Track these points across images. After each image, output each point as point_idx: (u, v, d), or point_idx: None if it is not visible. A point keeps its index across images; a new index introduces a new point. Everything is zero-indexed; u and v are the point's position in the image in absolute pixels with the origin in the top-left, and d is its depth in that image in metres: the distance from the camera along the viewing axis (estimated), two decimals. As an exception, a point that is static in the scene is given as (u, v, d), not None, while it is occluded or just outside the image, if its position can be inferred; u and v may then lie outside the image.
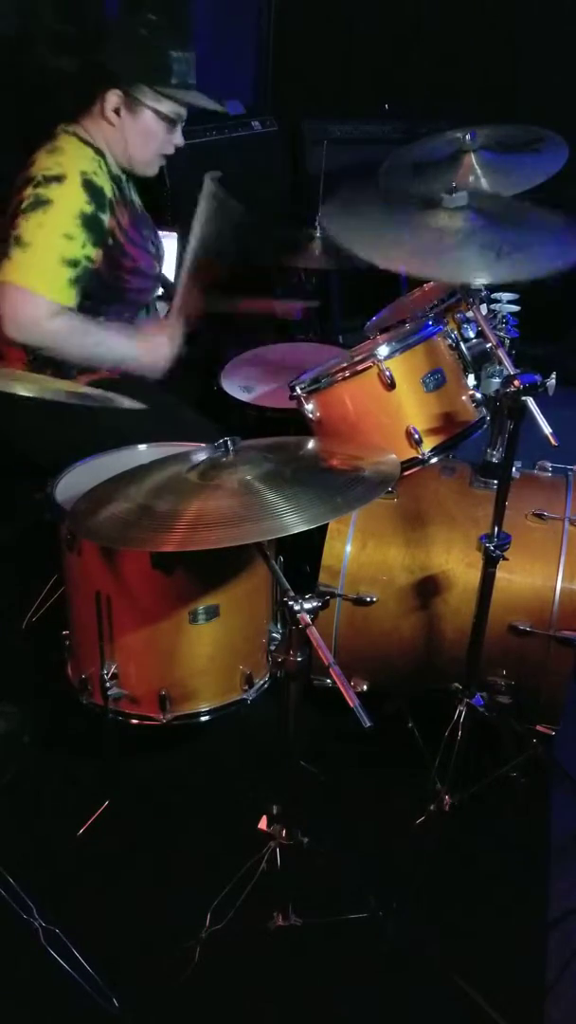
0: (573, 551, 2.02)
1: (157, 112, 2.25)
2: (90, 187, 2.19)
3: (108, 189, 2.25)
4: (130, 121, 2.25)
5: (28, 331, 2.14)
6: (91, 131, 2.28)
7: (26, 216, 2.12)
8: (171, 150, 2.34)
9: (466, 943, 1.81)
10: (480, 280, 1.87)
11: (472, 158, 2.34)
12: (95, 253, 2.21)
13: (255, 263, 2.75)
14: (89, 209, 2.18)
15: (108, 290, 2.30)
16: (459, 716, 1.93)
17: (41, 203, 2.13)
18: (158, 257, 2.48)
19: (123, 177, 2.37)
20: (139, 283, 2.37)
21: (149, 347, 2.31)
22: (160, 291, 2.57)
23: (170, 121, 2.27)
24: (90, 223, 2.18)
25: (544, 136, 2.41)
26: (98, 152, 2.27)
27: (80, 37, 2.99)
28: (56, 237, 2.13)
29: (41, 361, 2.37)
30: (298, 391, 2.08)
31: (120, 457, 2.08)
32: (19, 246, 2.11)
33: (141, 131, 2.27)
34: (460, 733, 1.92)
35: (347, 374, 2.02)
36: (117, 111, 2.24)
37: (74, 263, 2.15)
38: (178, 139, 2.34)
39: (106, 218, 2.23)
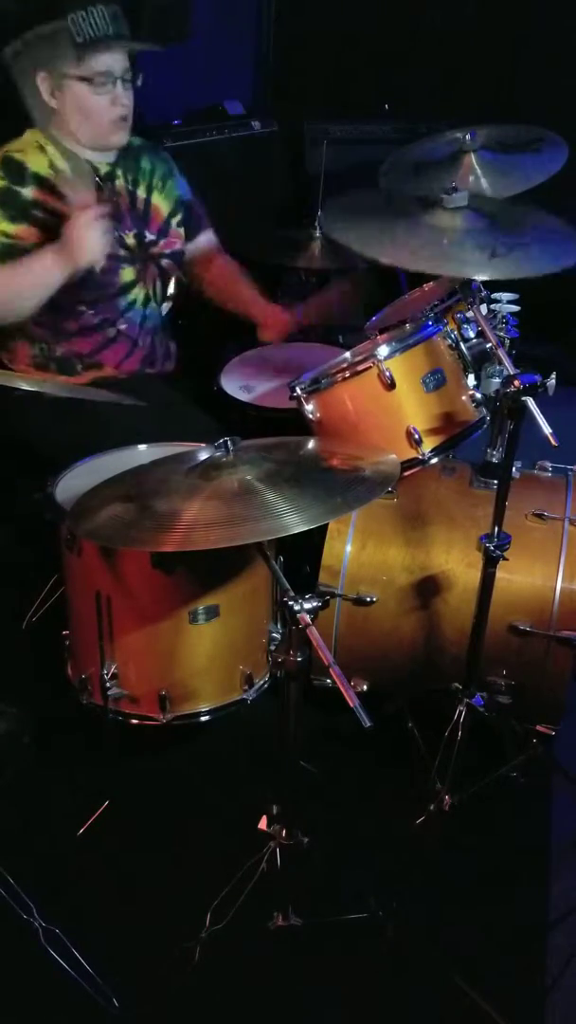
0: (573, 551, 2.02)
1: (77, 78, 2.21)
2: (8, 163, 2.22)
3: (41, 164, 2.25)
4: (63, 99, 2.24)
5: None
6: (53, 125, 2.29)
7: None
8: (119, 111, 2.28)
9: (466, 943, 1.81)
10: (479, 276, 1.88)
11: (472, 158, 2.34)
12: (14, 229, 2.22)
13: (255, 263, 2.74)
14: (1, 183, 2.20)
15: None
16: (459, 716, 1.93)
17: None
18: (126, 245, 2.41)
19: (102, 167, 2.36)
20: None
21: (67, 244, 2.17)
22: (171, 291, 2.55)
23: (99, 82, 2.22)
24: (4, 198, 2.20)
25: (544, 136, 2.41)
26: (48, 138, 2.27)
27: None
28: None
29: (45, 357, 2.38)
30: (298, 391, 2.08)
31: (120, 457, 2.07)
32: None
33: (74, 104, 2.25)
34: (460, 733, 1.92)
35: (347, 374, 2.02)
36: (52, 93, 2.24)
37: None
38: (122, 97, 2.27)
39: (25, 191, 2.22)
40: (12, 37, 2.20)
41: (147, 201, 2.47)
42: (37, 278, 2.19)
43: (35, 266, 2.19)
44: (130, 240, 2.41)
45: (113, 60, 2.23)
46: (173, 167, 2.55)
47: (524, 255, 1.85)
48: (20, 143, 2.28)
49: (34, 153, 2.26)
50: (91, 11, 2.18)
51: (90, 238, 2.15)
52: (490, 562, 1.81)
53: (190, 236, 2.58)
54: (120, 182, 2.41)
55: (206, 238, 2.65)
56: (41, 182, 2.25)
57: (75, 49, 2.18)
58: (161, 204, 2.50)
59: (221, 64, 3.71)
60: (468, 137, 2.29)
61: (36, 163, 2.26)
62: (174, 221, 2.52)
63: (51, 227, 2.23)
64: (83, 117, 2.27)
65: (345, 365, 2.04)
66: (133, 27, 2.29)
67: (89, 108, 2.26)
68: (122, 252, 2.39)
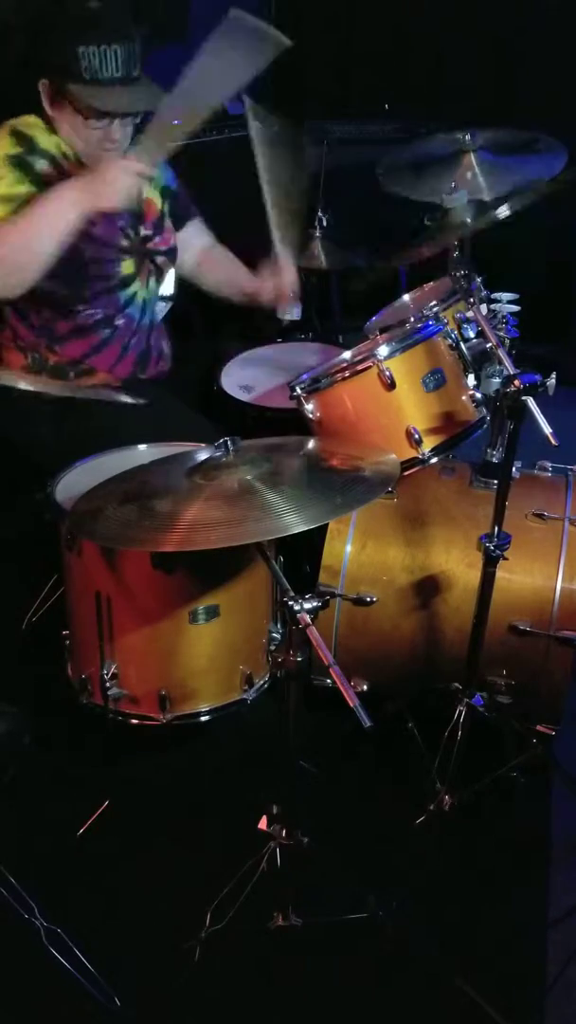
0: (573, 551, 2.02)
1: (76, 107, 2.17)
2: (18, 135, 2.19)
3: (49, 143, 2.22)
4: (60, 113, 2.21)
5: None
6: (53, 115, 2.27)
7: None
8: (108, 147, 2.23)
9: (466, 943, 1.81)
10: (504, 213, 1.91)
11: (472, 158, 2.34)
12: (31, 193, 2.16)
13: (255, 264, 2.74)
14: (15, 151, 2.17)
15: (63, 257, 2.20)
16: (459, 716, 1.93)
17: None
18: (127, 235, 2.40)
19: None
20: (94, 252, 2.30)
21: (94, 179, 2.11)
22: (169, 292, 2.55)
23: (96, 114, 2.18)
24: (18, 163, 2.17)
25: (542, 139, 2.41)
26: (50, 124, 2.24)
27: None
28: None
29: (38, 366, 2.37)
30: (298, 391, 2.08)
31: (120, 457, 2.07)
32: None
33: (71, 123, 2.21)
34: (460, 733, 1.92)
35: (347, 374, 2.02)
36: (51, 104, 2.21)
37: (7, 199, 2.14)
38: (114, 134, 2.22)
39: (39, 163, 2.20)
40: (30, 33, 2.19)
41: (140, 196, 2.47)
42: (52, 217, 2.09)
43: (50, 204, 2.09)
44: (129, 232, 2.40)
45: (116, 103, 2.17)
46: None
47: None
48: (26, 122, 2.23)
49: (42, 133, 2.23)
50: (105, 51, 2.11)
51: (122, 179, 2.08)
52: (490, 562, 1.81)
53: (178, 225, 2.55)
54: None
55: (195, 227, 2.63)
56: (51, 159, 2.22)
57: (78, 82, 2.13)
58: (154, 197, 2.48)
59: (221, 64, 3.70)
60: (468, 137, 2.29)
61: (45, 142, 2.23)
62: (166, 213, 2.51)
63: None
64: (74, 136, 2.23)
65: (345, 365, 2.04)
66: (126, 24, 2.26)
67: (80, 132, 2.22)
68: (124, 243, 2.37)
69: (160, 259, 2.48)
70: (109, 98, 2.15)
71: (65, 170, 2.23)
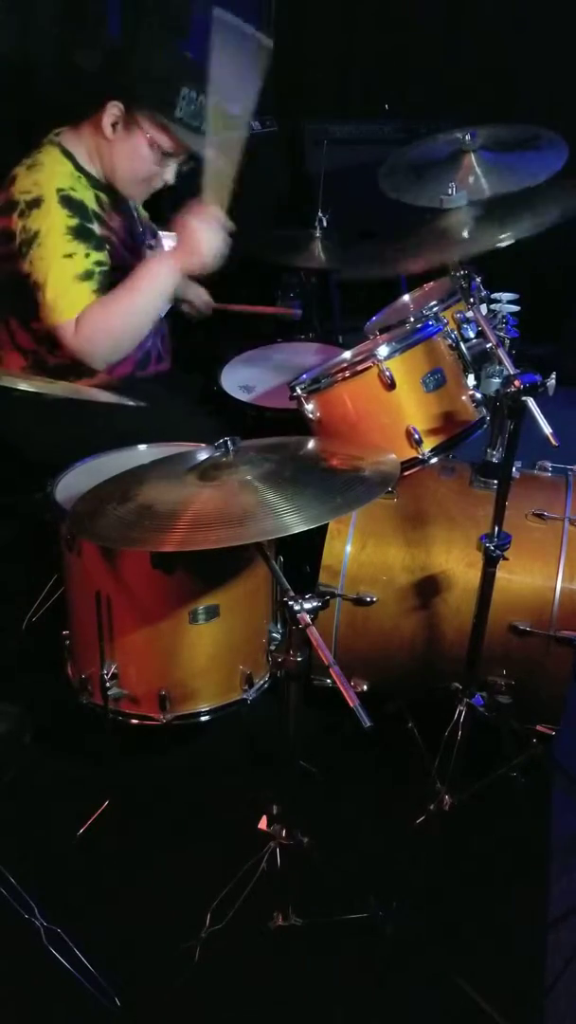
0: (573, 551, 2.02)
1: (151, 139, 2.21)
2: (68, 202, 2.18)
3: (90, 200, 2.24)
4: (123, 139, 2.22)
5: (98, 349, 2.17)
6: (79, 140, 2.26)
7: (26, 258, 2.14)
8: (160, 184, 2.30)
9: (466, 943, 1.81)
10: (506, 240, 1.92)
11: (472, 158, 2.33)
12: (102, 257, 2.20)
13: (255, 263, 2.74)
14: (74, 223, 2.18)
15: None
16: (459, 716, 1.93)
17: (30, 238, 2.14)
18: (150, 246, 2.46)
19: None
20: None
21: (185, 246, 2.20)
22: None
23: (163, 152, 2.23)
24: (81, 233, 2.18)
25: (541, 134, 2.41)
26: (77, 167, 2.25)
27: (86, 48, 2.96)
28: (58, 261, 2.13)
29: (37, 368, 2.37)
30: (298, 391, 2.08)
31: (120, 457, 2.08)
32: (39, 289, 2.14)
33: (131, 152, 2.23)
34: (460, 733, 1.92)
35: (347, 374, 2.02)
36: (115, 125, 2.21)
37: (88, 275, 2.15)
38: (169, 175, 2.29)
39: (95, 227, 2.22)
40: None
41: (136, 209, 2.50)
42: (151, 295, 2.18)
43: (146, 283, 2.17)
44: (146, 253, 2.43)
45: (181, 147, 2.23)
46: None
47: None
48: (63, 177, 2.22)
49: (81, 187, 2.24)
50: (199, 98, 2.16)
51: (209, 238, 2.15)
52: (490, 562, 1.80)
53: None
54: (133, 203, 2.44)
55: (170, 234, 2.66)
56: (99, 219, 2.26)
57: (167, 119, 2.17)
58: (140, 208, 2.53)
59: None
60: (468, 137, 2.28)
61: (89, 199, 2.24)
62: (147, 217, 2.56)
63: (112, 254, 2.26)
64: (129, 164, 2.25)
65: (345, 365, 2.04)
66: (135, 26, 2.28)
67: (137, 164, 2.25)
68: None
69: None
70: (182, 143, 2.21)
71: (108, 223, 2.28)
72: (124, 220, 2.37)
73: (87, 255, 2.17)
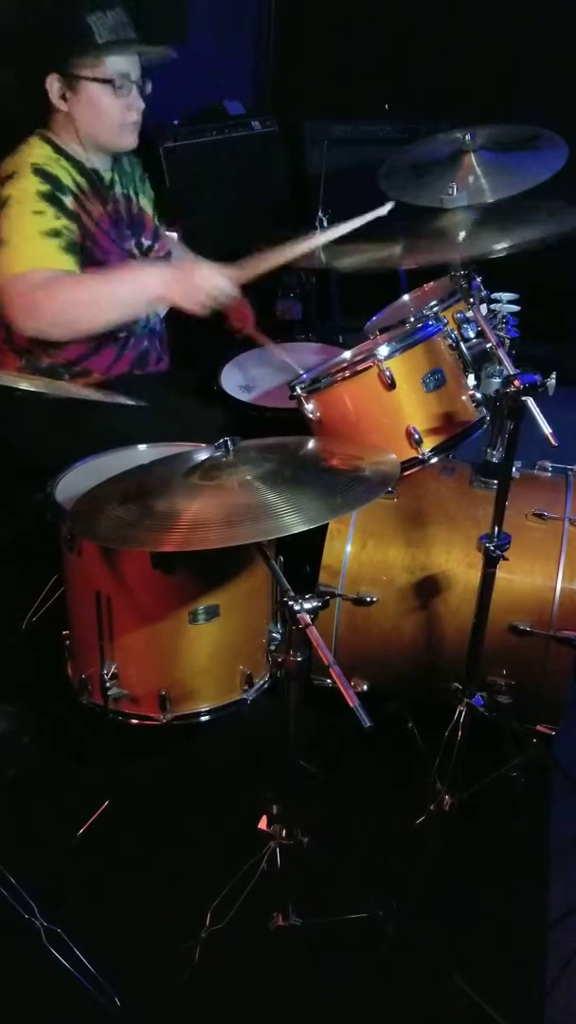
0: (573, 551, 2.02)
1: (94, 79, 2.19)
2: (41, 173, 2.19)
3: (66, 178, 2.24)
4: (75, 101, 2.21)
5: (36, 314, 2.11)
6: (55, 129, 2.27)
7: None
8: (133, 116, 2.27)
9: (466, 943, 1.81)
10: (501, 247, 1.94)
11: (472, 158, 2.33)
12: (72, 225, 2.20)
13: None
14: (45, 188, 2.18)
15: None
16: (459, 716, 1.93)
17: (2, 203, 2.15)
18: (134, 256, 2.42)
19: (105, 174, 2.36)
20: None
21: (181, 274, 2.19)
22: None
23: (113, 83, 2.19)
24: (51, 199, 2.18)
25: (541, 134, 2.41)
26: (58, 150, 2.26)
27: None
28: (26, 217, 2.13)
29: (32, 368, 2.37)
30: (298, 391, 2.08)
31: (120, 457, 2.08)
32: (3, 245, 2.12)
33: (88, 106, 2.22)
34: (460, 733, 1.92)
35: (347, 374, 2.02)
36: (64, 96, 2.21)
37: (55, 232, 2.15)
38: (135, 101, 2.26)
39: (67, 199, 2.21)
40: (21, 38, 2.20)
41: (138, 205, 2.48)
42: (126, 296, 2.16)
43: (127, 284, 2.16)
44: (134, 251, 2.42)
45: (131, 64, 2.22)
46: (139, 163, 2.56)
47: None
48: (40, 155, 2.23)
49: (60, 168, 2.24)
50: (109, 13, 2.15)
51: (212, 281, 2.15)
52: (490, 562, 1.80)
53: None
54: (119, 188, 2.41)
55: (171, 234, 2.65)
56: (74, 195, 2.25)
57: (94, 50, 2.16)
58: (146, 206, 2.51)
59: (221, 64, 3.70)
60: (468, 137, 2.28)
61: (65, 177, 2.24)
62: (157, 221, 2.53)
63: (83, 241, 2.24)
64: (95, 119, 2.24)
65: (345, 365, 2.04)
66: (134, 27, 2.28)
67: (103, 110, 2.23)
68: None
69: None
70: (126, 59, 2.19)
71: (85, 205, 2.26)
72: (108, 212, 2.35)
73: (56, 217, 2.16)
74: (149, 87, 2.28)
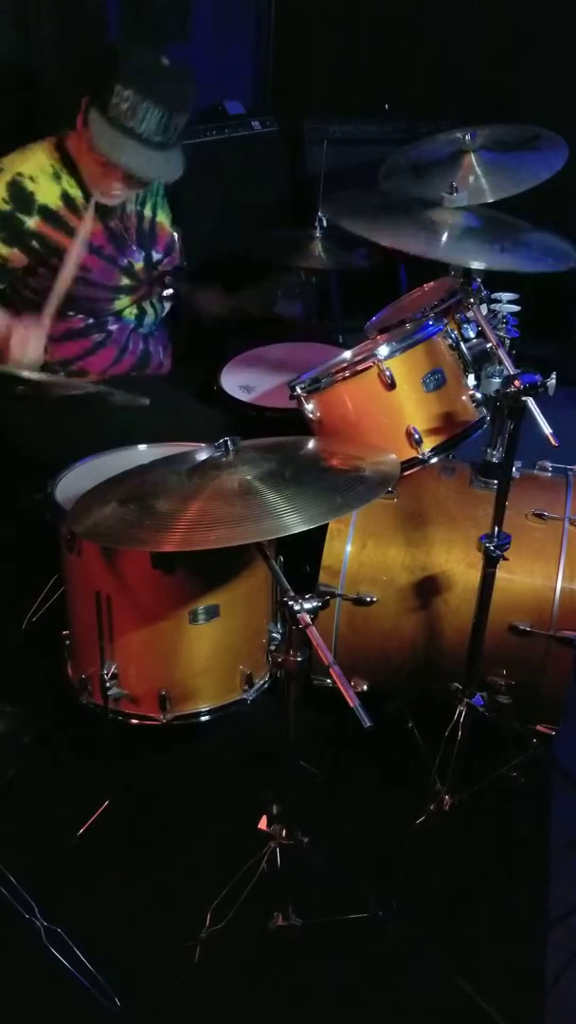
0: (573, 551, 2.02)
1: (90, 136, 2.11)
2: (15, 188, 2.16)
3: (51, 195, 2.20)
4: (85, 133, 2.14)
5: None
6: (73, 139, 2.22)
7: None
8: (115, 198, 2.23)
9: (466, 943, 1.82)
10: (483, 266, 1.93)
11: (472, 158, 2.33)
12: (5, 251, 2.18)
13: (255, 263, 2.74)
14: (5, 208, 2.16)
15: (47, 289, 2.23)
16: (459, 716, 1.93)
17: None
18: (132, 271, 2.39)
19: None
20: (86, 291, 2.30)
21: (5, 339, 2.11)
22: (168, 292, 2.54)
23: (108, 163, 2.12)
24: (4, 223, 2.16)
25: (541, 134, 2.41)
26: (66, 160, 2.22)
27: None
28: None
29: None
30: (298, 391, 2.08)
31: (120, 457, 2.08)
32: None
33: (83, 147, 2.16)
34: (460, 733, 1.92)
35: (347, 374, 2.02)
36: (86, 121, 2.12)
37: None
38: (115, 189, 2.20)
39: (29, 220, 2.18)
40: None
41: (153, 220, 2.45)
42: None
43: None
44: (139, 265, 2.40)
45: (131, 162, 2.12)
46: None
47: (528, 253, 1.92)
48: (35, 165, 2.20)
49: (47, 181, 2.20)
50: (141, 103, 2.04)
51: (27, 352, 2.10)
52: (490, 562, 1.80)
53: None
54: (132, 206, 2.39)
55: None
56: (47, 214, 2.21)
57: (104, 118, 2.08)
58: (164, 220, 2.49)
59: (221, 64, 3.70)
60: (468, 137, 2.28)
61: (46, 193, 2.20)
62: (176, 236, 2.50)
63: (42, 257, 2.21)
64: (80, 160, 2.20)
65: (345, 365, 2.04)
66: (134, 28, 2.26)
67: (85, 162, 2.19)
68: (124, 282, 2.37)
69: (168, 279, 2.49)
70: (121, 147, 2.09)
71: (62, 219, 2.22)
72: (110, 227, 2.33)
73: None
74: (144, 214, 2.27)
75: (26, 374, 1.90)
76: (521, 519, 2.05)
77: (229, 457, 1.67)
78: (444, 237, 2.05)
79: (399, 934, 1.77)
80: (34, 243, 2.21)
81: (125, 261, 2.37)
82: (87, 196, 2.24)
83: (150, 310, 2.49)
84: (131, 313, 2.44)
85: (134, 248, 2.39)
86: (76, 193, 2.24)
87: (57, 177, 2.22)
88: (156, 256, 2.45)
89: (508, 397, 1.65)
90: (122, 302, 2.39)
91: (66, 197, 2.23)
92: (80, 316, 2.34)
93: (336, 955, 1.77)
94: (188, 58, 3.43)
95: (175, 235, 2.51)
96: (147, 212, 2.44)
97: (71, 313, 2.33)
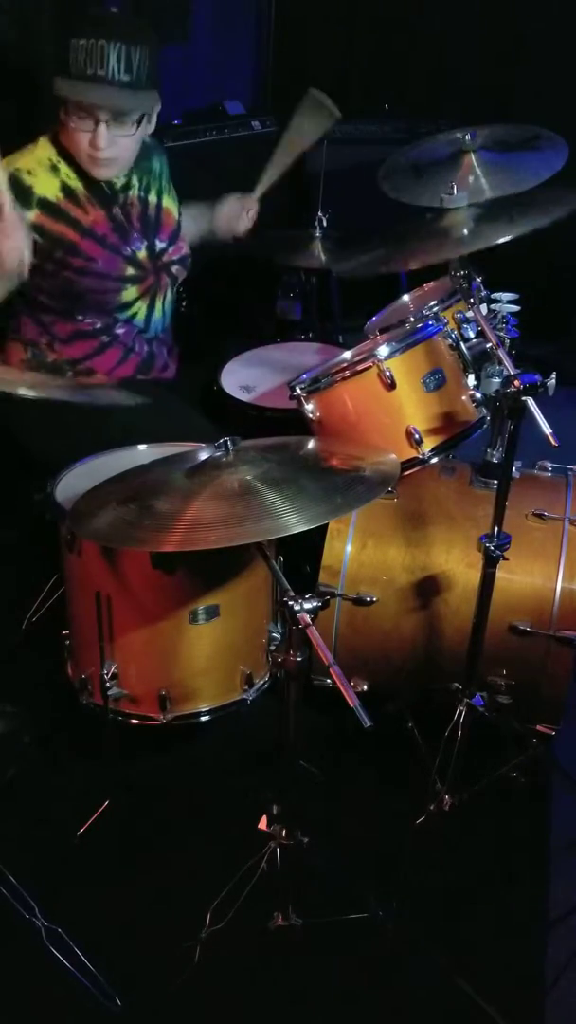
0: (573, 551, 2.02)
1: (65, 106, 2.11)
2: (13, 183, 2.10)
3: (50, 188, 2.20)
4: (64, 117, 2.14)
5: None
6: (62, 131, 2.22)
7: None
8: (99, 153, 2.17)
9: (466, 943, 1.82)
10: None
11: (472, 158, 2.33)
12: None
13: (255, 263, 2.74)
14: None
15: (55, 286, 2.25)
16: (459, 716, 1.93)
17: None
18: (133, 262, 2.38)
19: (117, 179, 2.31)
20: (93, 283, 2.30)
21: None
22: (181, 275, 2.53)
23: (76, 115, 2.11)
24: None
25: (540, 134, 2.41)
26: (64, 155, 2.22)
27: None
28: None
29: (37, 362, 2.37)
30: (298, 391, 2.08)
31: (120, 457, 2.08)
32: None
33: (67, 127, 2.15)
34: (460, 733, 1.92)
35: (347, 374, 2.02)
36: (63, 108, 2.13)
37: None
38: (99, 139, 2.13)
39: (28, 214, 2.16)
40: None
41: (158, 206, 2.44)
42: None
43: None
44: (142, 254, 2.39)
45: (100, 99, 2.09)
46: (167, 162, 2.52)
47: (537, 209, 1.97)
48: (32, 159, 2.20)
49: (45, 174, 2.20)
50: (95, 45, 2.03)
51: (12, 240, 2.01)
52: (490, 562, 1.81)
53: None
54: (134, 192, 2.37)
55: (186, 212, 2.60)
56: (46, 206, 2.21)
57: (63, 77, 2.07)
58: (171, 206, 2.47)
59: (221, 64, 3.70)
60: (468, 137, 2.28)
61: (45, 186, 2.20)
62: (181, 223, 2.50)
63: (43, 249, 2.20)
64: (69, 141, 2.20)
65: (345, 365, 2.04)
66: (134, 28, 2.25)
67: (71, 137, 2.18)
68: (129, 271, 2.36)
69: (175, 268, 2.48)
70: (93, 94, 2.08)
71: (63, 210, 2.22)
72: (112, 216, 2.32)
73: None
74: (146, 128, 2.22)
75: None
76: (521, 519, 2.05)
77: (229, 457, 1.67)
78: (464, 232, 2.03)
79: (399, 934, 1.77)
80: (33, 235, 2.20)
81: (129, 250, 2.36)
82: (88, 186, 2.24)
83: (159, 309, 2.48)
84: (140, 312, 2.43)
85: (137, 236, 2.38)
86: (76, 184, 2.24)
87: (55, 169, 2.22)
88: (160, 244, 2.43)
89: (508, 397, 1.65)
90: (129, 292, 2.37)
91: (66, 188, 2.23)
92: (89, 320, 2.34)
93: (336, 955, 1.77)
94: (188, 58, 3.44)
95: (182, 222, 2.50)
96: (151, 198, 2.41)
97: (80, 317, 2.33)
